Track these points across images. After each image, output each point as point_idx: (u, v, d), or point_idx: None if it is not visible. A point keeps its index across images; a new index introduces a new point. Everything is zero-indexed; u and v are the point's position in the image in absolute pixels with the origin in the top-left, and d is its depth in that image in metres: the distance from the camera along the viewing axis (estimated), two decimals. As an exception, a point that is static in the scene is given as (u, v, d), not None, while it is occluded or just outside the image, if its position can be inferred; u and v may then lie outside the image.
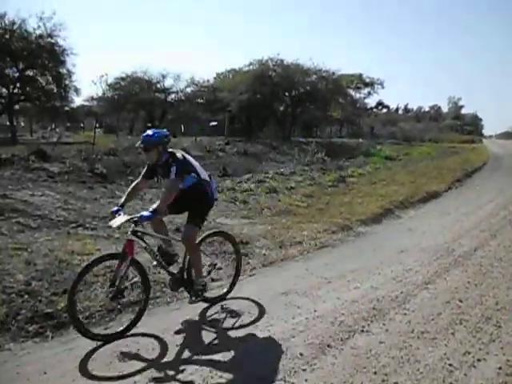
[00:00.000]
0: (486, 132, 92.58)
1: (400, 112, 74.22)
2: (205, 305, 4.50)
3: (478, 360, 3.41)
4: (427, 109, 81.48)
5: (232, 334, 3.92)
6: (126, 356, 3.47)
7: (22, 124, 37.02)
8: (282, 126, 29.88)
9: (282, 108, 31.06)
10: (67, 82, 25.96)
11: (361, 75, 37.95)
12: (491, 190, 12.55)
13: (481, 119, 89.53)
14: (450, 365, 3.34)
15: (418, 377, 3.19)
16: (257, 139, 24.42)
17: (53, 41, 24.70)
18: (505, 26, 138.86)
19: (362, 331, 3.93)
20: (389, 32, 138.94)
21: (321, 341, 3.73)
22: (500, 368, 3.30)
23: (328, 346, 3.66)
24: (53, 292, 4.57)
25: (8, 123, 26.31)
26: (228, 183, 12.41)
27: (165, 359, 3.46)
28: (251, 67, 28.41)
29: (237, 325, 4.10)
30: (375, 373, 3.24)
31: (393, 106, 69.31)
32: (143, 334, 3.84)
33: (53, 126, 27.95)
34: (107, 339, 3.73)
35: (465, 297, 4.73)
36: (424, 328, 3.96)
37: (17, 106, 28.21)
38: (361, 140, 32.17)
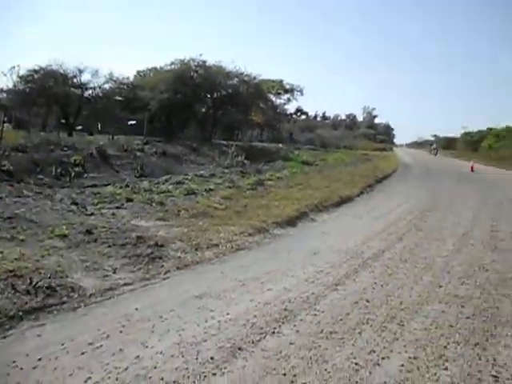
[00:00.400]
0: (397, 141, 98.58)
1: (318, 119, 76.61)
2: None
3: (383, 358, 3.55)
4: (343, 117, 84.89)
5: (143, 338, 3.78)
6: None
7: None
8: (203, 128, 29.73)
9: (203, 110, 30.91)
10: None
11: (281, 81, 38.85)
12: (399, 196, 13.31)
13: (392, 129, 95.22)
14: (356, 364, 3.44)
15: (326, 377, 3.26)
16: (177, 140, 24.07)
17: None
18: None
19: (273, 333, 3.95)
20: (308, 40, 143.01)
21: (232, 344, 3.70)
22: (402, 365, 3.46)
23: (239, 348, 3.64)
24: None
25: None
26: (145, 184, 12.08)
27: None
28: (173, 66, 28.03)
29: (149, 329, 3.96)
30: (284, 374, 3.27)
31: (311, 113, 71.47)
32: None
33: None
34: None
35: (371, 297, 4.93)
36: (333, 328, 4.06)
37: None
38: (280, 145, 32.81)
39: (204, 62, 27.46)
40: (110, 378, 3.17)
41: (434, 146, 54.66)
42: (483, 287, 5.40)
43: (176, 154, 20.22)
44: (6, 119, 32.99)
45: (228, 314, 4.34)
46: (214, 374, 3.23)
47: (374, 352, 3.64)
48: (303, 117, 55.19)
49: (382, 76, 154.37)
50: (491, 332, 4.12)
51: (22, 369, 3.24)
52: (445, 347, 3.77)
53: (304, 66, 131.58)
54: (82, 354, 3.49)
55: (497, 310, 4.67)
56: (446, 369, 3.43)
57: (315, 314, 4.39)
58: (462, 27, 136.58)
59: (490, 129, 52.82)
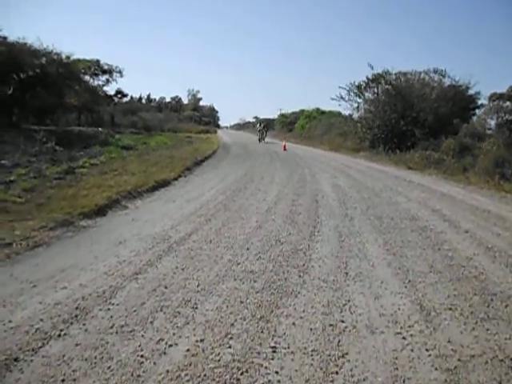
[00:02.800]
0: (221, 123, 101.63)
1: (143, 102, 74.73)
2: None
3: (170, 346, 3.57)
4: (169, 100, 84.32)
5: None
6: None
7: None
8: (9, 112, 26.65)
9: (9, 92, 27.66)
10: None
11: (98, 61, 36.69)
12: (215, 178, 13.65)
13: (217, 111, 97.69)
14: (142, 356, 3.40)
15: (108, 375, 3.15)
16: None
17: None
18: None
19: (59, 335, 3.70)
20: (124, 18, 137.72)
21: (8, 355, 3.36)
22: (188, 350, 3.52)
23: (15, 359, 3.32)
24: None
25: None
26: None
27: None
28: (-35, 41, 24.44)
29: None
30: (63, 380, 3.07)
31: (136, 96, 69.40)
32: None
33: None
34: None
35: (170, 282, 4.94)
36: (124, 321, 3.96)
37: None
38: (100, 129, 31.13)
39: (4, 37, 24.44)
40: None
41: (259, 127, 40.99)
42: (276, 260, 5.81)
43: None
44: None
45: (10, 321, 3.94)
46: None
47: (163, 340, 3.64)
48: (126, 99, 53.20)
49: (206, 57, 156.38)
50: (276, 304, 4.44)
51: None
52: (232, 325, 3.95)
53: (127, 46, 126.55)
54: None
55: (284, 282, 5.06)
56: (230, 347, 3.59)
57: (108, 309, 4.23)
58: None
59: (303, 110, 57.54)
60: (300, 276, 5.27)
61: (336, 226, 7.82)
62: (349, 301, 4.62)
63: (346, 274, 5.44)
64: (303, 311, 4.29)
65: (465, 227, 8.11)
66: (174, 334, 3.76)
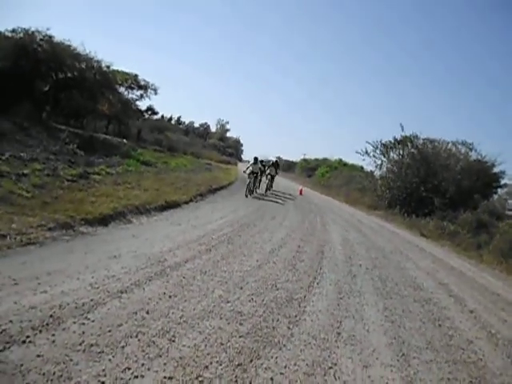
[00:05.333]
0: (244, 157, 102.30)
1: (172, 122, 75.86)
2: None
3: (135, 377, 3.34)
4: (197, 125, 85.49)
5: None
6: None
7: None
8: (41, 107, 27.14)
9: (46, 88, 28.26)
10: None
11: (136, 76, 37.43)
12: (225, 209, 13.48)
13: (242, 144, 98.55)
14: (103, 383, 3.16)
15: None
16: (6, 115, 21.56)
17: None
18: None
19: (24, 342, 3.49)
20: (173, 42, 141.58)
21: (-37, 353, 3.16)
22: (152, 385, 3.27)
23: (-31, 359, 3.11)
24: None
25: None
26: None
27: None
28: (14, 34, 25.14)
29: None
30: (11, 391, 2.85)
31: (166, 115, 70.59)
32: None
33: None
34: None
35: (154, 308, 4.71)
36: (95, 340, 3.74)
37: None
38: (125, 141, 31.49)
39: (51, 37, 25.14)
40: None
41: (254, 167, 20.29)
42: (268, 306, 5.54)
43: (0, 130, 18.05)
44: None
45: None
46: None
47: (129, 370, 3.41)
48: (156, 117, 54.04)
49: (238, 93, 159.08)
50: (258, 353, 4.17)
51: None
52: (206, 367, 3.70)
53: (166, 67, 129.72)
54: None
55: (272, 330, 4.78)
56: (198, 391, 3.33)
57: (83, 323, 4.02)
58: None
59: (325, 159, 57.72)
60: (289, 328, 4.99)
61: (337, 281, 7.53)
62: (335, 364, 4.32)
63: (338, 334, 5.14)
64: (285, 367, 4.00)
65: (470, 307, 7.74)
66: (142, 364, 3.52)
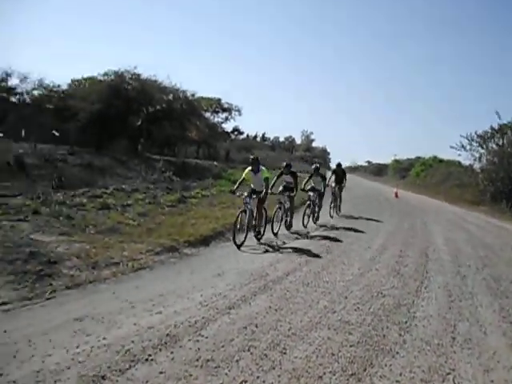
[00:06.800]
0: (332, 165, 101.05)
1: (258, 140, 77.32)
2: None
3: (251, 389, 3.41)
4: (282, 139, 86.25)
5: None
6: None
7: None
8: (135, 141, 29.05)
9: (138, 123, 30.26)
10: None
11: (219, 100, 38.92)
12: (321, 217, 13.40)
13: (329, 153, 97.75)
14: (220, 396, 3.28)
15: (185, 410, 3.06)
16: (106, 152, 23.35)
17: None
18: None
19: (146, 360, 3.72)
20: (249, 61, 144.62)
21: (97, 372, 3.44)
22: (271, 397, 3.33)
23: (103, 378, 3.38)
24: None
25: None
26: (59, 196, 11.49)
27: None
28: (106, 77, 27.28)
29: (11, 355, 3.62)
30: (139, 407, 3.04)
31: (252, 133, 72.18)
32: None
33: None
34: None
35: (262, 322, 4.80)
36: (211, 356, 3.88)
37: None
38: (215, 163, 32.63)
39: (138, 75, 26.92)
40: None
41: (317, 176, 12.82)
42: (376, 314, 5.42)
43: (102, 166, 19.57)
44: None
45: (105, 338, 4.07)
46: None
47: (246, 382, 3.49)
48: (242, 136, 55.61)
49: (321, 103, 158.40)
50: (371, 361, 4.08)
51: None
52: (320, 377, 3.68)
53: (249, 86, 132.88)
54: None
55: (383, 339, 4.66)
56: (315, 401, 3.33)
57: (197, 340, 4.20)
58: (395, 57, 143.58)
59: (419, 157, 55.34)
60: (400, 335, 4.83)
61: (446, 284, 7.17)
62: (453, 370, 4.10)
63: (453, 338, 4.89)
64: (400, 374, 3.88)
65: None
66: (258, 377, 3.59)
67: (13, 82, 28.26)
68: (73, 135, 24.52)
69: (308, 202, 12.26)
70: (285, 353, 4.09)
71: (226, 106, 39.65)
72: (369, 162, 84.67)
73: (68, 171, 17.10)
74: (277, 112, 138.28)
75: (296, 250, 8.76)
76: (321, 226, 12.43)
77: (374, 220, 14.48)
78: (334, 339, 4.51)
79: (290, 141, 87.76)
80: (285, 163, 11.35)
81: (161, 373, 3.53)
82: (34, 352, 3.71)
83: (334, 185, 15.18)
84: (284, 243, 9.47)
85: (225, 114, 40.47)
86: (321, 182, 12.60)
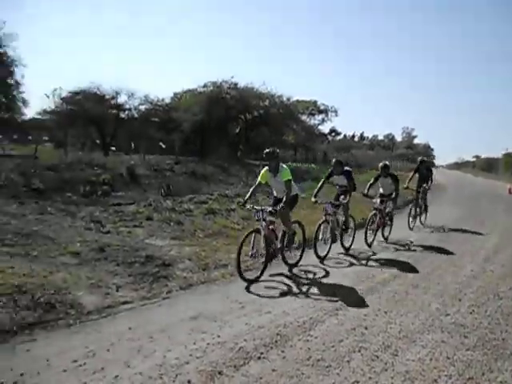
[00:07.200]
0: (436, 162, 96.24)
1: (356, 139, 76.03)
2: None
3: (365, 390, 3.40)
4: (381, 138, 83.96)
5: (126, 358, 3.78)
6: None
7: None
8: (235, 148, 30.05)
9: (236, 130, 31.28)
10: (15, 93, 25.30)
11: (315, 102, 38.90)
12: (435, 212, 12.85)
13: (432, 149, 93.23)
14: (336, 395, 3.31)
15: (299, 408, 3.14)
16: (209, 160, 24.40)
17: (1, 51, 24.11)
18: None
19: (259, 358, 3.86)
20: (341, 62, 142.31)
21: (214, 367, 3.64)
22: (384, 399, 3.30)
23: (219, 373, 3.57)
24: None
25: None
26: (168, 203, 12.24)
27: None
28: (205, 89, 28.57)
29: (136, 349, 3.98)
30: (258, 402, 3.17)
31: (349, 133, 71.17)
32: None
33: (-2, 138, 27.06)
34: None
35: (371, 324, 4.75)
36: (321, 355, 3.93)
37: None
38: (313, 165, 32.66)
39: (236, 84, 27.85)
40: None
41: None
42: (493, 317, 5.12)
43: (205, 173, 20.47)
44: (47, 139, 34.46)
45: (219, 336, 4.29)
46: (188, 399, 3.17)
47: (358, 383, 3.48)
48: (339, 137, 55.02)
49: (423, 96, 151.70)
50: (489, 366, 3.87)
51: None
52: (435, 381, 3.57)
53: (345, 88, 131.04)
54: (64, 371, 3.51)
55: (502, 342, 4.40)
56: (432, 405, 3.24)
57: (307, 340, 4.27)
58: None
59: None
60: (523, 339, 4.52)
61: None
62: None
63: None
64: (524, 381, 3.64)
65: None
66: (370, 378, 3.57)
67: (122, 99, 30.59)
68: (177, 145, 25.95)
69: (372, 213, 9.24)
70: (396, 355, 4.01)
71: (322, 107, 39.54)
72: (477, 156, 79.47)
73: (175, 179, 18.14)
74: (375, 111, 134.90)
75: (322, 293, 5.91)
76: (394, 243, 9.54)
77: (487, 217, 13.60)
78: (449, 342, 4.34)
79: (390, 138, 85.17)
80: (334, 159, 8.63)
81: (273, 370, 3.64)
82: (156, 347, 4.00)
83: (417, 187, 12.04)
84: (314, 276, 6.75)
85: (321, 116, 40.36)
86: (391, 185, 9.43)
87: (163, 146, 26.15)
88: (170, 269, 6.43)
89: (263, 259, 6.41)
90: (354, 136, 76.26)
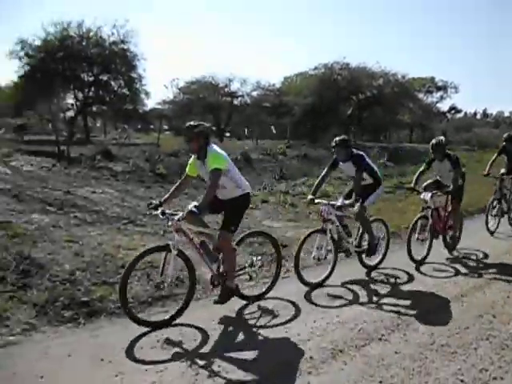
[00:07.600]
0: None
1: (478, 117, 70.52)
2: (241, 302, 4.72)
3: (494, 378, 3.26)
4: (508, 114, 76.85)
5: (253, 333, 4.08)
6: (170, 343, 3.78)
7: (98, 125, 39.43)
8: (347, 130, 29.53)
9: (349, 112, 30.73)
10: (138, 85, 27.37)
11: (433, 78, 36.66)
12: None
13: None
14: (462, 381, 3.22)
15: (425, 391, 3.12)
16: (320, 143, 24.34)
17: (125, 47, 26.30)
18: None
19: (380, 339, 3.88)
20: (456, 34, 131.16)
21: (334, 346, 3.73)
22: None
23: (340, 351, 3.65)
24: (93, 282, 4.94)
25: (84, 124, 28.29)
26: (282, 186, 12.51)
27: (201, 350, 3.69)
28: (316, 71, 28.38)
29: (264, 324, 4.26)
30: (381, 382, 3.20)
31: (470, 111, 66.11)
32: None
33: (123, 126, 29.48)
34: (154, 326, 4.04)
35: (500, 312, 4.51)
36: (446, 341, 3.83)
37: (94, 108, 30.17)
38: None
39: (347, 64, 27.29)
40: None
41: None
42: None
43: (317, 156, 20.45)
44: (167, 127, 36.87)
45: (338, 316, 4.41)
46: (310, 373, 3.31)
47: (487, 371, 3.36)
48: (459, 115, 51.37)
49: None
50: None
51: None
52: None
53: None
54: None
55: None
56: None
57: (431, 325, 4.19)
58: None
59: None
60: None
61: None
62: None
63: None
64: None
65: None
66: (500, 367, 3.41)
67: (234, 86, 31.69)
68: (289, 129, 26.21)
69: (421, 213, 6.64)
70: (528, 346, 3.79)
71: (440, 84, 37.21)
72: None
73: (287, 163, 18.42)
74: (501, 84, 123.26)
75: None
76: (463, 258, 6.79)
77: None
78: None
79: (518, 114, 77.62)
80: (337, 139, 5.82)
81: (396, 353, 3.63)
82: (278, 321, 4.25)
83: (504, 173, 8.53)
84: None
85: (439, 93, 38.03)
86: (450, 172, 6.73)
87: (274, 131, 26.62)
88: (287, 249, 6.61)
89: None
90: (475, 113, 70.75)
